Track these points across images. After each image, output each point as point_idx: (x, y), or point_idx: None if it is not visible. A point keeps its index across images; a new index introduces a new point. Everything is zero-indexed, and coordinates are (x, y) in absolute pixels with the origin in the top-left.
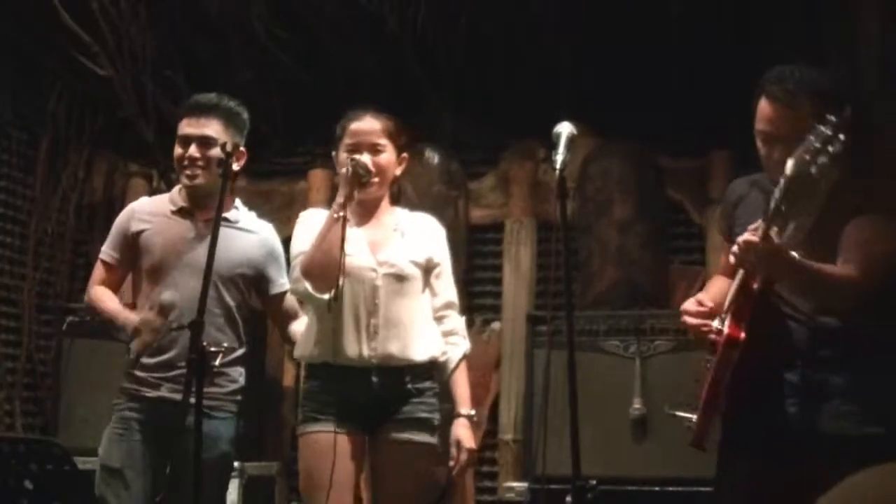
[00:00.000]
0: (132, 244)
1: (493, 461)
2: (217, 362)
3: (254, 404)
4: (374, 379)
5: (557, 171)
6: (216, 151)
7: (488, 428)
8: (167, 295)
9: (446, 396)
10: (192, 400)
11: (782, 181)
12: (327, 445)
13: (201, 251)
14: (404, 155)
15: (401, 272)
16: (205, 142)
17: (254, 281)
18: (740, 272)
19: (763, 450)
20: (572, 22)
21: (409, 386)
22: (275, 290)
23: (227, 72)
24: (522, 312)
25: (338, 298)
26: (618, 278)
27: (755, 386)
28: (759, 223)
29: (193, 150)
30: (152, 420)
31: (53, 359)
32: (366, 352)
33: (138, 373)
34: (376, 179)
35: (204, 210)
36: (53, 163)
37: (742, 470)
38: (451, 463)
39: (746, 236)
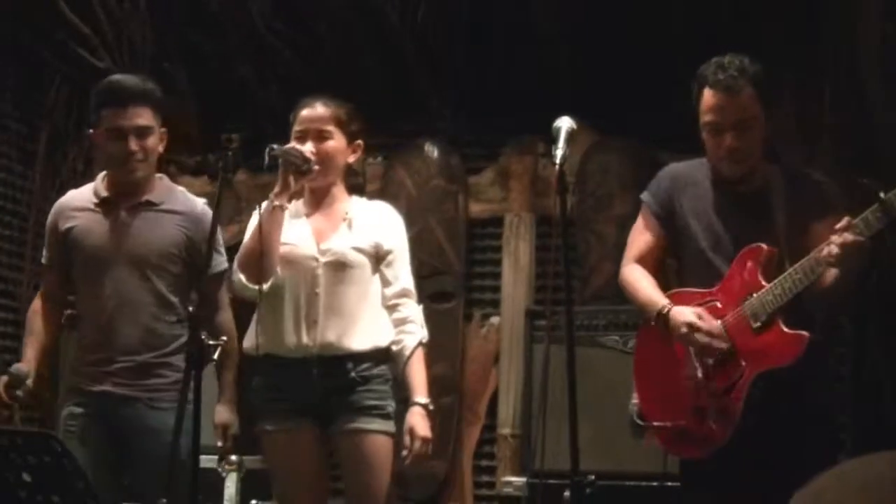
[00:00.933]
0: (63, 243)
1: (492, 456)
2: (216, 356)
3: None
4: (315, 370)
5: (557, 166)
6: (153, 140)
7: (487, 423)
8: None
9: (403, 386)
10: (192, 398)
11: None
12: (281, 445)
13: (129, 241)
14: (358, 142)
15: (342, 259)
16: (141, 132)
17: (186, 262)
18: (800, 273)
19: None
20: (572, 17)
21: (353, 374)
22: (211, 270)
23: (226, 66)
24: (521, 307)
25: (273, 289)
26: (616, 273)
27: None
28: (846, 220)
29: (133, 144)
30: (98, 414)
31: (52, 352)
32: (306, 342)
33: (82, 367)
34: (317, 167)
35: (129, 196)
36: (52, 156)
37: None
38: (404, 452)
39: (848, 236)
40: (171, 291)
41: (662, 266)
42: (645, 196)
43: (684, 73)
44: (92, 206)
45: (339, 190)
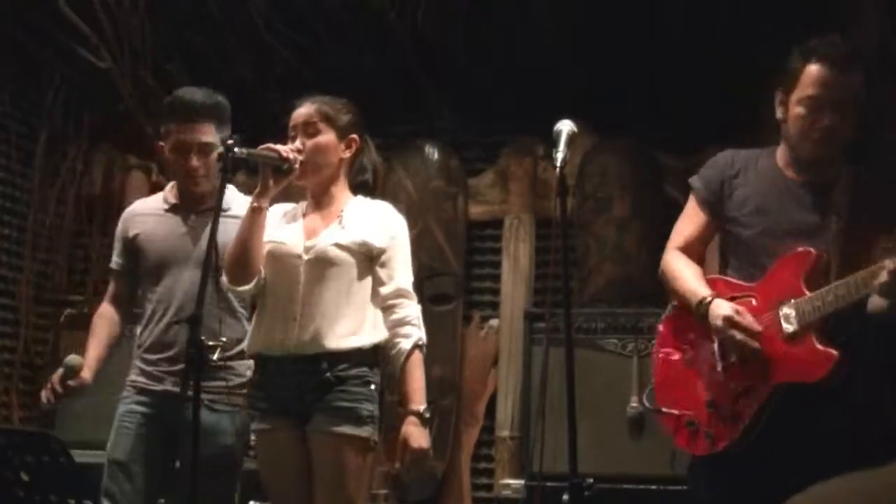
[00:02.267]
0: (132, 248)
1: (490, 458)
2: (215, 356)
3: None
4: (291, 368)
5: (558, 169)
6: (215, 157)
7: (485, 424)
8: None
9: (397, 389)
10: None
11: None
12: (264, 445)
13: (196, 244)
14: (352, 137)
15: (323, 256)
16: (203, 149)
17: None
18: (847, 288)
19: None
20: (571, 19)
21: (328, 374)
22: None
23: (225, 66)
24: (520, 309)
25: (262, 288)
26: (616, 276)
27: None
28: None
29: (194, 160)
30: (158, 414)
31: (51, 351)
32: (285, 339)
33: (144, 366)
34: (297, 166)
35: (197, 203)
36: (52, 156)
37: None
38: (398, 465)
39: None
40: (235, 297)
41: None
42: (694, 181)
43: (684, 75)
44: (161, 212)
45: (339, 188)
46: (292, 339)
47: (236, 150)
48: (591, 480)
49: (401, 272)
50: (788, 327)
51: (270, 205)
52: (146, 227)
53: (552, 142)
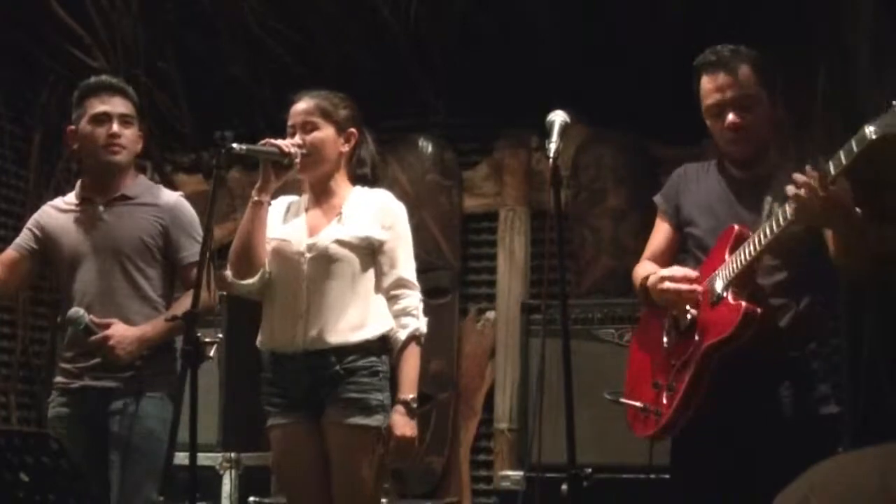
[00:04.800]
0: (38, 236)
1: (489, 450)
2: (212, 353)
3: (248, 394)
4: (302, 364)
5: (551, 160)
6: (133, 130)
7: (484, 417)
8: (71, 311)
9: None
10: (189, 395)
11: (854, 142)
12: (279, 441)
13: (106, 234)
14: (351, 130)
15: (324, 254)
16: (125, 120)
17: (160, 252)
18: (752, 245)
19: (743, 435)
20: (565, 10)
21: (337, 368)
22: (186, 259)
23: (219, 63)
24: (517, 301)
25: (266, 284)
26: (612, 267)
27: (737, 369)
28: (815, 172)
29: (116, 126)
30: (81, 409)
31: (48, 352)
32: (294, 336)
33: (64, 365)
34: (298, 160)
35: (105, 192)
36: (47, 155)
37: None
38: (382, 452)
39: (808, 178)
40: (148, 284)
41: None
42: (657, 197)
43: (678, 66)
44: (72, 206)
45: (339, 182)
46: (301, 336)
47: (235, 146)
48: (590, 470)
49: (402, 262)
50: (712, 294)
51: (274, 198)
52: (57, 222)
53: (546, 133)
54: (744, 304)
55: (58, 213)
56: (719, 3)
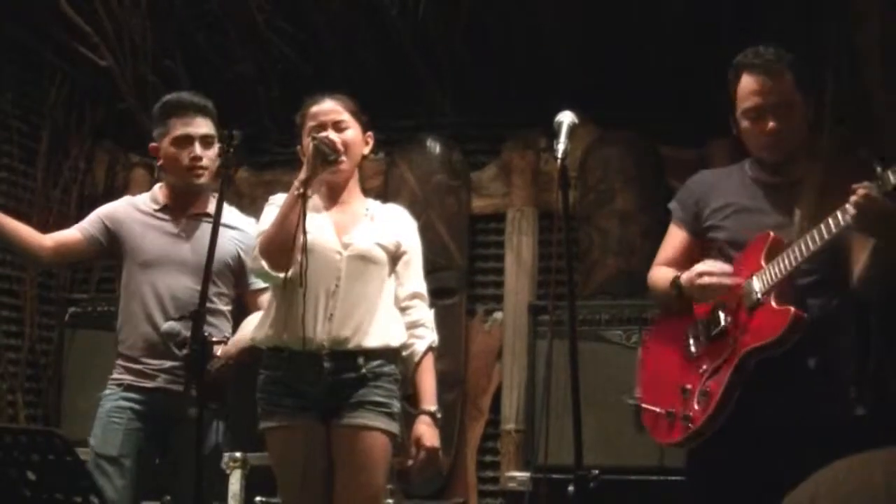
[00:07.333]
0: (109, 230)
1: (496, 451)
2: (219, 352)
3: (255, 396)
4: (326, 364)
5: (559, 161)
6: (214, 150)
7: (490, 418)
8: (167, 325)
9: (411, 390)
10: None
11: None
12: (285, 442)
13: (187, 248)
14: (369, 133)
15: (366, 254)
16: (206, 141)
17: (235, 275)
18: (798, 250)
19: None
20: (572, 11)
21: (364, 370)
22: (255, 285)
23: (227, 62)
24: (524, 302)
25: (292, 278)
26: (619, 268)
27: (770, 372)
28: (870, 184)
29: (198, 149)
30: (148, 410)
31: (55, 350)
32: (320, 335)
33: (131, 364)
34: (343, 158)
35: (188, 207)
36: (55, 154)
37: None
38: (410, 462)
39: (868, 187)
40: (223, 301)
41: None
42: (672, 204)
43: (686, 67)
44: (151, 211)
45: (355, 186)
46: (328, 335)
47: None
48: (597, 472)
49: (417, 275)
50: (749, 299)
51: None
52: (137, 224)
53: (554, 134)
54: (792, 308)
55: (137, 213)
56: (727, 4)
